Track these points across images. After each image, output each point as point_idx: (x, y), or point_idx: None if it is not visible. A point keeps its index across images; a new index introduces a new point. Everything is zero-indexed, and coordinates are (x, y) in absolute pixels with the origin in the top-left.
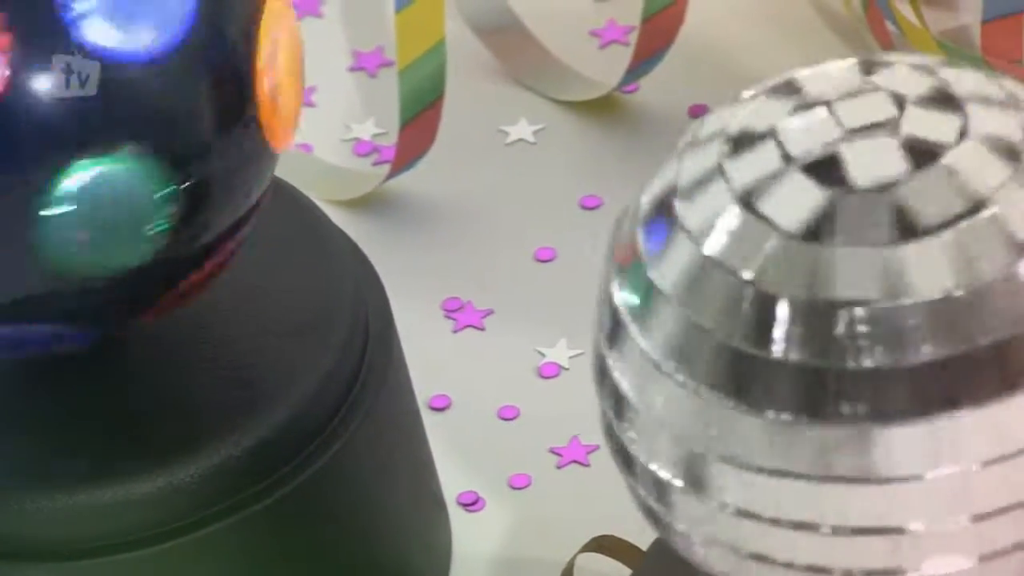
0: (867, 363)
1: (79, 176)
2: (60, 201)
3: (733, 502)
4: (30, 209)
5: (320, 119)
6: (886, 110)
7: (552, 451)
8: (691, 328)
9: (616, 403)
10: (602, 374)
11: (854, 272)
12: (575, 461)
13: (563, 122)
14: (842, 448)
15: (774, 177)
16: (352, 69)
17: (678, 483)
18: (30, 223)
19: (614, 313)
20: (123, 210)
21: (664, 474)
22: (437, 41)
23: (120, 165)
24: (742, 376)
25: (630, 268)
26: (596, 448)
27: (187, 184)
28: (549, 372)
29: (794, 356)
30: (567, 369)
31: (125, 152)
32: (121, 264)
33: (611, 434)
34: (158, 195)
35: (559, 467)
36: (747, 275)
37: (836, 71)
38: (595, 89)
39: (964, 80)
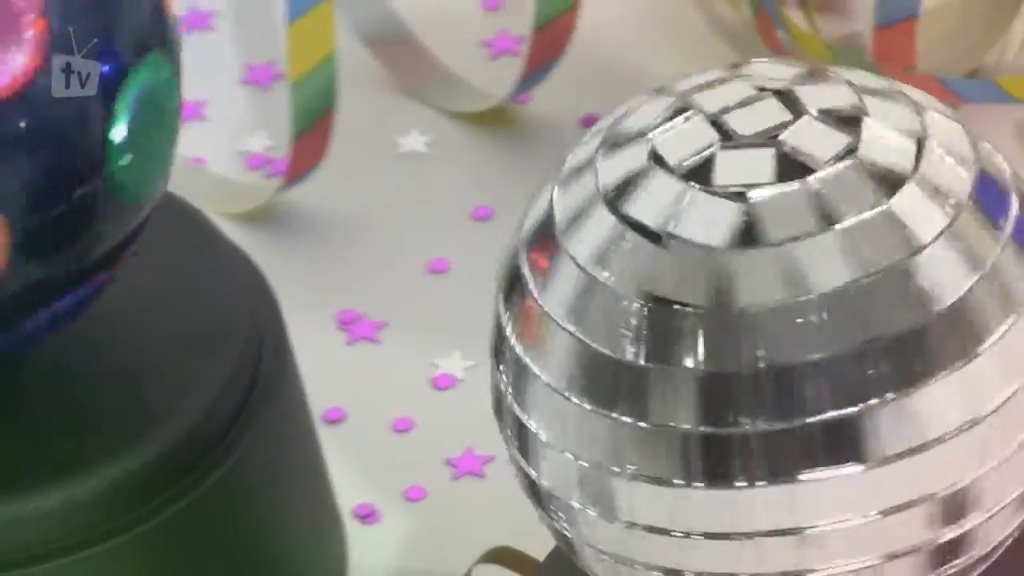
0: (763, 365)
1: None
2: None
3: (633, 516)
4: None
5: (212, 132)
6: (772, 119)
7: (447, 462)
8: (572, 339)
9: (507, 417)
10: (495, 387)
11: (756, 277)
12: (470, 472)
13: (455, 133)
14: (720, 454)
15: (646, 184)
16: (244, 82)
17: (577, 497)
18: None
19: (500, 324)
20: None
21: (562, 488)
22: (328, 54)
23: None
24: (633, 388)
25: (516, 289)
26: (492, 459)
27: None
28: (443, 383)
29: (691, 366)
30: (461, 380)
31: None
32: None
33: (508, 449)
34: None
35: (454, 478)
36: (635, 290)
37: (723, 79)
38: (487, 100)
39: (859, 93)
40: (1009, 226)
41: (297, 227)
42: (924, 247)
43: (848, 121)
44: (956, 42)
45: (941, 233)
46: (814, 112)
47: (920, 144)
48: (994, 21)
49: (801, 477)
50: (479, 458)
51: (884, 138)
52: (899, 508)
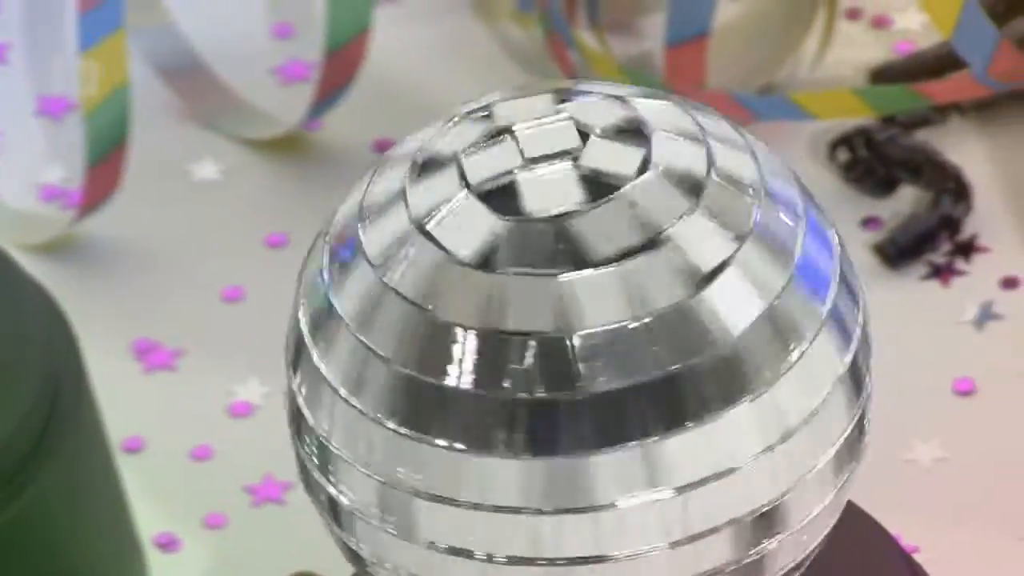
0: (540, 394)
1: None
2: None
3: (435, 538)
4: None
5: (6, 165)
6: (569, 140)
7: (246, 489)
8: (369, 356)
9: (297, 425)
10: (291, 401)
11: (527, 302)
12: (270, 499)
13: (249, 161)
14: (520, 480)
15: (451, 204)
16: (37, 114)
17: (369, 513)
18: None
19: (299, 339)
20: None
21: (352, 503)
22: (121, 84)
23: None
24: (421, 406)
25: (312, 294)
26: (291, 485)
27: None
28: (241, 410)
29: (470, 386)
30: (259, 407)
31: None
32: None
33: (297, 458)
34: None
35: (254, 505)
36: (422, 303)
37: (522, 100)
38: (279, 127)
39: (652, 110)
40: (797, 253)
41: (93, 257)
42: (715, 275)
43: (636, 135)
44: (748, 59)
45: (728, 261)
46: (599, 131)
47: (707, 171)
48: (786, 37)
49: (606, 503)
50: (278, 484)
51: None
52: (704, 533)
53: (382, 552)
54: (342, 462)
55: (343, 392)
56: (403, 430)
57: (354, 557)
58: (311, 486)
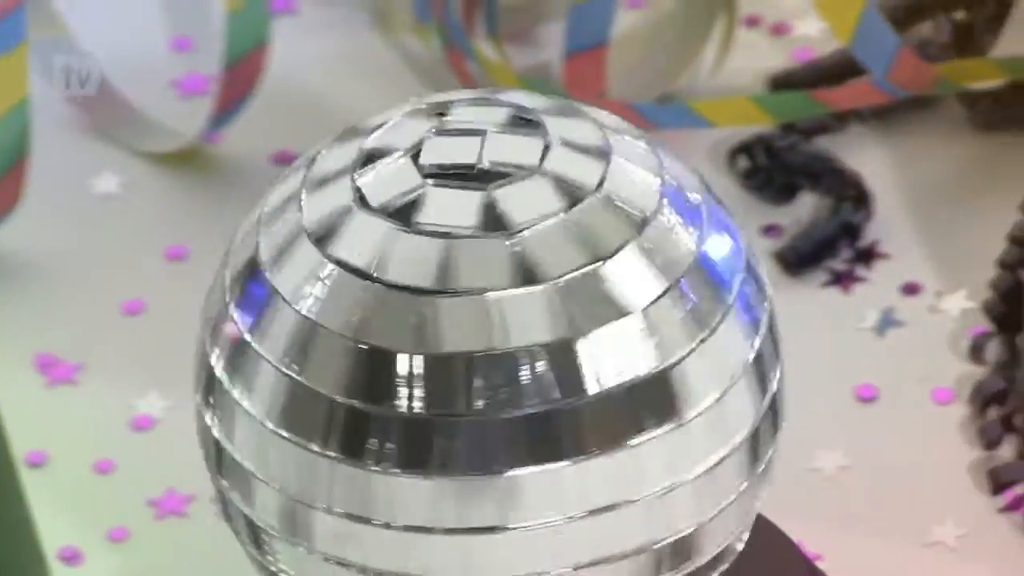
0: (467, 413)
1: None
2: None
3: (330, 551)
4: None
5: None
6: (473, 153)
7: (150, 503)
8: (293, 384)
9: (216, 455)
10: (201, 425)
11: (449, 322)
12: (173, 512)
13: (149, 174)
14: (452, 499)
15: (351, 224)
16: None
17: (282, 535)
18: None
19: (211, 371)
20: None
21: (267, 526)
22: (21, 99)
23: None
24: (346, 429)
25: (225, 327)
26: (194, 498)
27: None
28: (143, 424)
29: (399, 408)
30: (161, 420)
31: None
32: None
33: (215, 486)
34: None
35: (157, 518)
36: (344, 330)
37: (420, 113)
38: (179, 140)
39: (550, 116)
40: (701, 246)
41: None
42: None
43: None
44: (647, 68)
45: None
46: (495, 129)
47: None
48: (684, 46)
49: (507, 525)
50: (181, 498)
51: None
52: (607, 559)
53: (287, 564)
54: (257, 482)
55: (260, 418)
56: (305, 444)
57: (263, 568)
58: (231, 516)
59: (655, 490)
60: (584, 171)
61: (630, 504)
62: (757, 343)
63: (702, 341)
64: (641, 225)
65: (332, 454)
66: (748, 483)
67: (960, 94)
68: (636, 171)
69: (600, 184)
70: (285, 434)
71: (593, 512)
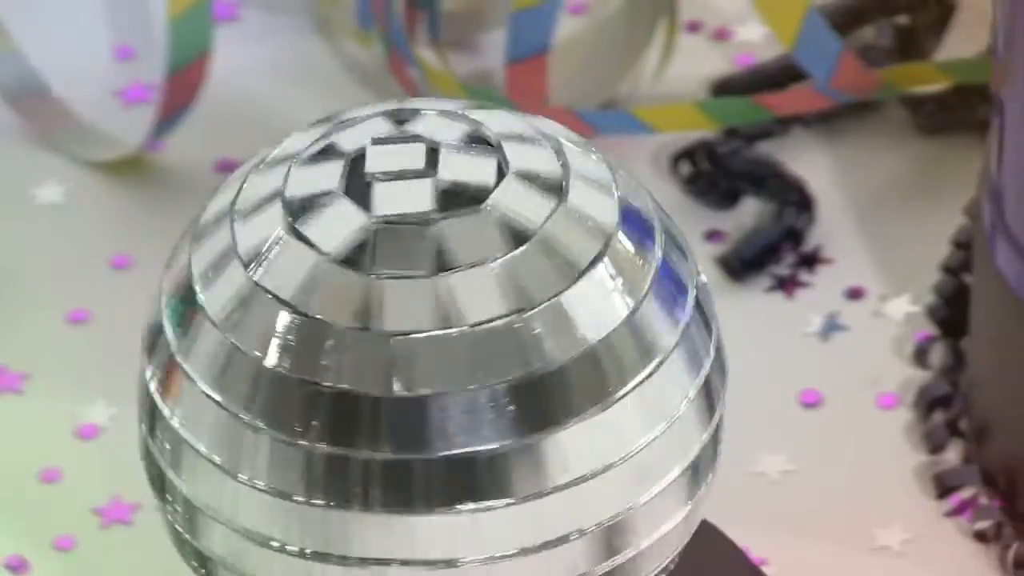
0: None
1: None
2: None
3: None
4: None
5: None
6: (420, 158)
7: (95, 511)
8: (227, 415)
9: (159, 480)
10: (149, 460)
11: (362, 359)
12: (118, 520)
13: (92, 183)
14: (412, 529)
15: (280, 241)
16: None
17: (224, 564)
18: None
19: (149, 394)
20: None
21: (218, 556)
22: None
23: None
24: (284, 463)
25: (159, 347)
26: (139, 507)
27: None
28: (88, 433)
29: (333, 444)
30: (106, 429)
31: None
32: None
33: (161, 511)
34: None
35: (103, 527)
36: (269, 361)
37: (365, 120)
38: (122, 149)
39: (496, 121)
40: (652, 271)
41: None
42: (584, 273)
43: (485, 146)
44: (589, 74)
45: (598, 258)
46: (448, 145)
47: (564, 179)
48: (626, 52)
49: (453, 510)
50: (126, 506)
51: (527, 172)
52: (544, 545)
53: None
54: (205, 517)
55: (202, 450)
56: (264, 487)
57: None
58: (179, 540)
59: (599, 519)
60: (533, 206)
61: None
62: (705, 360)
63: (655, 367)
64: (607, 237)
65: (258, 481)
66: (694, 500)
67: (903, 98)
68: (590, 200)
69: (546, 221)
70: (222, 463)
71: (532, 497)
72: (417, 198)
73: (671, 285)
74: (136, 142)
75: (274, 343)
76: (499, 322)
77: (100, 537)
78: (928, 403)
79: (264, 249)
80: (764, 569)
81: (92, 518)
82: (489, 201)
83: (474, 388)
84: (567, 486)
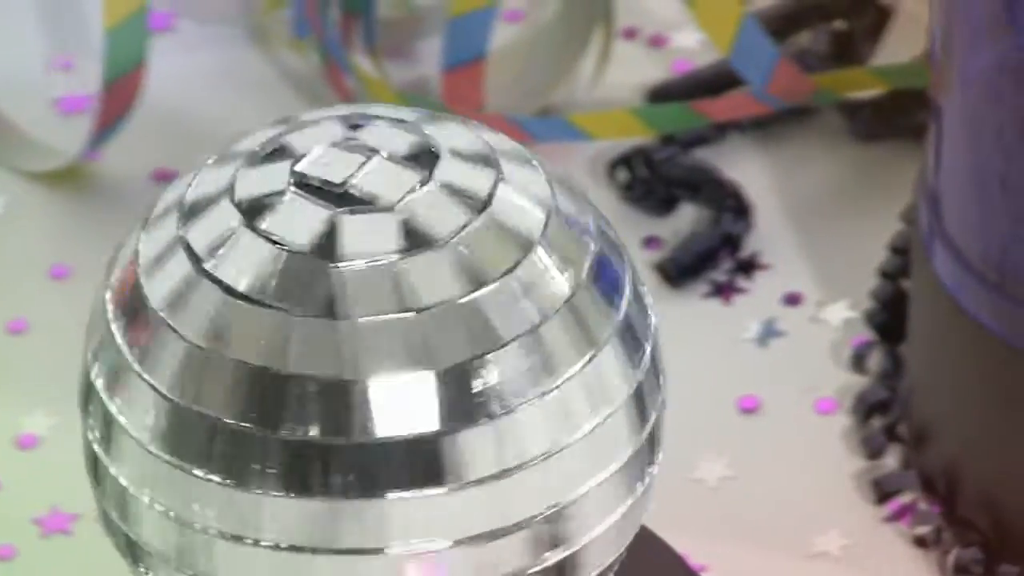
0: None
1: None
2: None
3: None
4: None
5: None
6: (358, 165)
7: (35, 521)
8: (170, 404)
9: (97, 474)
10: (86, 443)
11: (318, 345)
12: (58, 530)
13: (30, 193)
14: (331, 514)
15: (234, 243)
16: None
17: (161, 555)
18: None
19: (91, 389)
20: None
21: (146, 544)
22: None
23: None
24: (220, 449)
25: (104, 347)
26: (79, 516)
27: None
28: (27, 443)
29: (272, 430)
30: (45, 439)
31: None
32: None
33: (97, 504)
34: None
35: (43, 536)
36: (220, 350)
37: (311, 128)
38: (59, 159)
39: (437, 131)
40: (588, 261)
41: None
42: (494, 280)
43: (426, 157)
44: (525, 81)
45: (514, 268)
46: (385, 154)
47: (495, 184)
48: (562, 59)
49: (389, 496)
50: (66, 516)
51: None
52: (490, 535)
53: None
54: (140, 505)
55: (139, 436)
56: (188, 467)
57: None
58: (111, 528)
59: (536, 513)
60: (473, 188)
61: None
62: (641, 360)
63: (588, 361)
64: (525, 252)
65: (214, 477)
66: (631, 500)
67: (840, 104)
68: (522, 200)
69: (483, 209)
70: (159, 452)
71: (472, 484)
72: (315, 213)
73: (606, 280)
74: (73, 152)
75: (213, 329)
76: (438, 308)
77: (40, 547)
78: (866, 408)
79: (212, 241)
80: (703, 575)
81: (32, 528)
82: (398, 208)
83: (409, 374)
84: (500, 476)
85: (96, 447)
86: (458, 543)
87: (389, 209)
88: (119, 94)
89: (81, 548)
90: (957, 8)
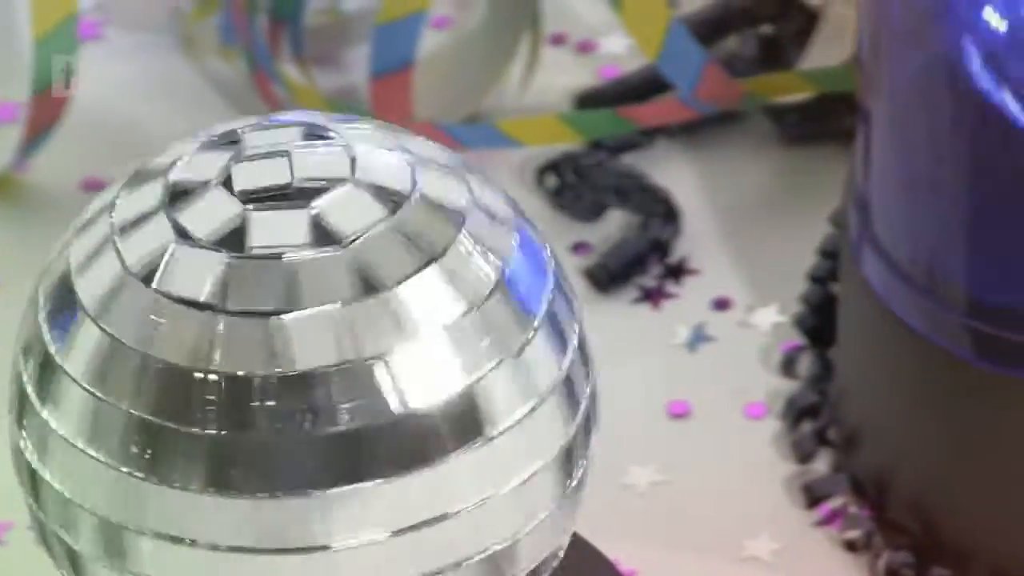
0: (256, 435)
1: None
2: None
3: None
4: None
5: None
6: (283, 175)
7: None
8: (102, 405)
9: (30, 479)
10: (16, 450)
11: (245, 343)
12: None
13: None
14: (268, 519)
15: (171, 252)
16: None
17: (97, 557)
18: None
19: (23, 395)
20: None
21: (81, 548)
22: None
23: None
24: (154, 449)
25: (35, 350)
26: (12, 525)
27: None
28: None
29: (203, 428)
30: None
31: None
32: None
33: (30, 511)
34: None
35: None
36: (149, 350)
37: (213, 145)
38: None
39: (357, 137)
40: (510, 266)
41: None
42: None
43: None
44: (453, 88)
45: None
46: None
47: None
48: (490, 65)
49: (333, 545)
50: None
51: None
52: (412, 528)
53: None
54: (75, 508)
55: (73, 440)
56: (138, 474)
57: None
58: (47, 539)
59: (466, 506)
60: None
61: (444, 520)
62: (566, 362)
63: (511, 358)
64: (443, 247)
65: (140, 474)
66: (562, 498)
67: (767, 108)
68: (439, 186)
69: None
70: (93, 453)
71: (407, 529)
72: (226, 206)
73: (529, 271)
74: (3, 162)
75: (145, 328)
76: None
77: None
78: (796, 413)
79: (157, 259)
80: None
81: None
82: (314, 204)
83: (342, 365)
84: (428, 465)
85: (28, 456)
86: (396, 533)
87: (302, 207)
88: (48, 103)
89: (14, 558)
90: (885, 13)
